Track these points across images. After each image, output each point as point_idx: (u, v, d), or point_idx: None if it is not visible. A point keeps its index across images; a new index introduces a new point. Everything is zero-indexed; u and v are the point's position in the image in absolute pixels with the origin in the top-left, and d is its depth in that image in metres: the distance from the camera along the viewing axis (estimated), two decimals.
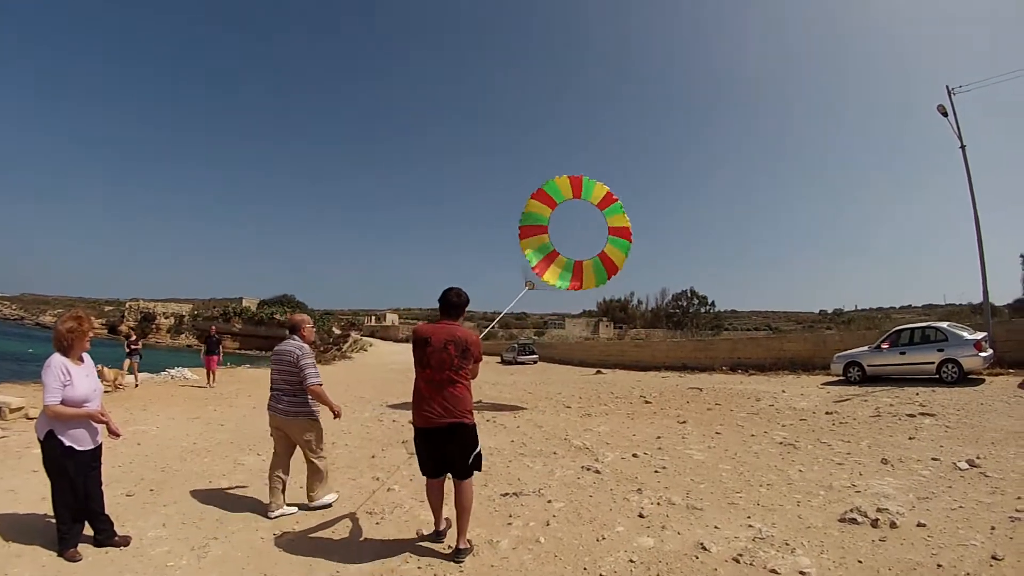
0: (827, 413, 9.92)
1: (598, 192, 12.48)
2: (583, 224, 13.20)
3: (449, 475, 4.12)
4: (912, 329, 14.39)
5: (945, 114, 16.64)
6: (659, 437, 8.30)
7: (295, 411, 5.01)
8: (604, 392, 15.19)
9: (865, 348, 15.07)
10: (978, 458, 6.08)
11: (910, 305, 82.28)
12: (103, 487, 4.24)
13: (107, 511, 4.23)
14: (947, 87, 17.11)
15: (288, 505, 5.04)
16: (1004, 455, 6.27)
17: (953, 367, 12.72)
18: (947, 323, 14.17)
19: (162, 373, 19.22)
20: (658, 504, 5.09)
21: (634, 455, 7.11)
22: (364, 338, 66.13)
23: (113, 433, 4.16)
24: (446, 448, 3.95)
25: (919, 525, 4.29)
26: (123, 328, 73.78)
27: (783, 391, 13.59)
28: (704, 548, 4.00)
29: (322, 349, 59.11)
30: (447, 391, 3.88)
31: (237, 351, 70.76)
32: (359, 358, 45.70)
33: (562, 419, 10.53)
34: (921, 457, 6.37)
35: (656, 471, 6.31)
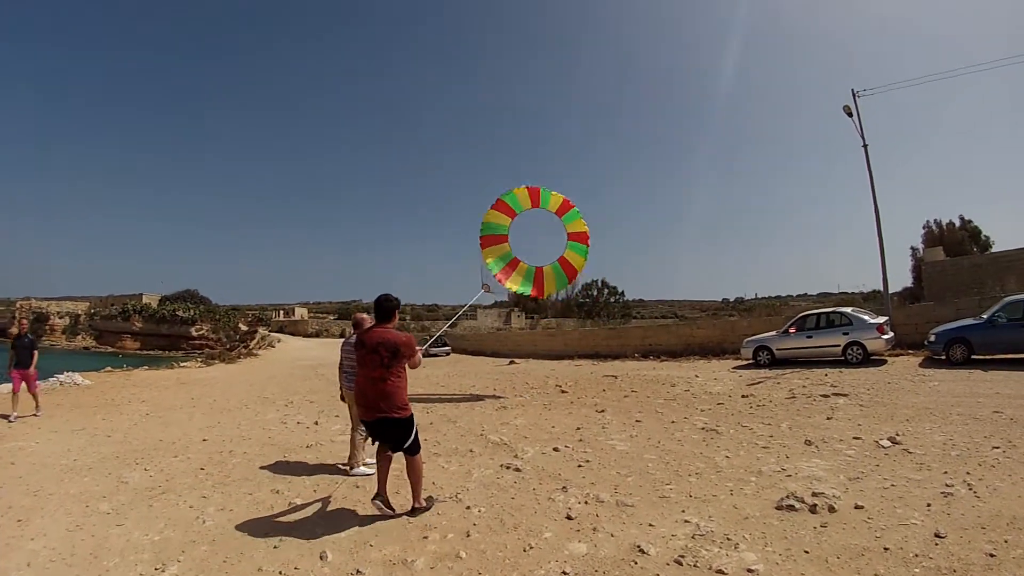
0: (743, 396, 9.94)
1: (555, 201, 12.82)
2: (543, 231, 13.60)
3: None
4: (818, 314, 14.95)
5: (850, 114, 17.34)
6: (579, 428, 7.93)
7: None
8: (519, 382, 14.79)
9: (773, 333, 15.54)
10: (898, 435, 6.09)
11: (806, 293, 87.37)
12: None
13: None
14: (852, 90, 17.85)
15: (366, 463, 6.02)
16: (921, 431, 6.32)
17: (858, 349, 13.32)
18: (851, 308, 14.82)
19: (50, 379, 16.93)
20: (586, 503, 4.65)
21: (555, 449, 6.68)
22: (272, 334, 63.21)
23: None
24: (386, 436, 4.52)
25: (857, 507, 4.13)
26: None
27: (696, 376, 13.70)
28: (642, 551, 3.58)
29: (227, 347, 55.92)
30: (379, 387, 4.35)
31: (138, 351, 65.86)
32: (267, 355, 43.27)
33: (477, 412, 9.99)
34: (843, 437, 6.33)
35: (580, 465, 5.89)
